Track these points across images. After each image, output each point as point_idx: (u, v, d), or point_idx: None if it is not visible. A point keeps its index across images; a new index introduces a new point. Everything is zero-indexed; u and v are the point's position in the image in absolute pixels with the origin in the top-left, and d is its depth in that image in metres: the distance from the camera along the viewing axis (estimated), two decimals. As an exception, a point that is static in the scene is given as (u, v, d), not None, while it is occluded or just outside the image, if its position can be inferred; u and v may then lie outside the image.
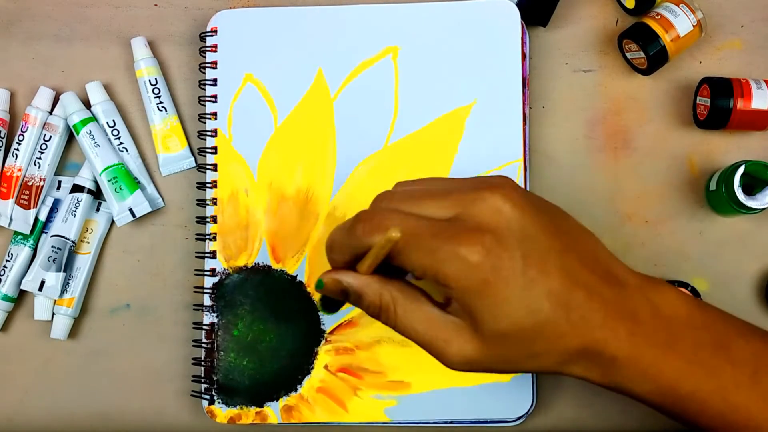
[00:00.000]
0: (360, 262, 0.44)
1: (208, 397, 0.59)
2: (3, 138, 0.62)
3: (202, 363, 0.60)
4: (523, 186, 0.59)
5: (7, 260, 0.61)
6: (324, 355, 0.59)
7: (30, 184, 0.62)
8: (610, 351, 0.41)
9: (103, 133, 0.62)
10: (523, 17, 0.60)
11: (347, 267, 0.45)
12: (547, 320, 0.41)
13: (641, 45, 0.59)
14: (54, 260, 0.60)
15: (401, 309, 0.44)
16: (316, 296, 0.59)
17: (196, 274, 0.61)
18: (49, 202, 0.62)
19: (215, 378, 0.59)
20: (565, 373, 0.43)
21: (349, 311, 0.59)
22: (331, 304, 0.48)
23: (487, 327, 0.41)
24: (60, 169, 0.63)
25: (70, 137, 0.63)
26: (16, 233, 0.62)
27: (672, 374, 0.42)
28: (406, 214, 0.42)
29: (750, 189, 0.58)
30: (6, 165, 0.62)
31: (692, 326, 0.43)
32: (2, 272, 0.61)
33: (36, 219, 0.62)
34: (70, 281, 0.61)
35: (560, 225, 0.44)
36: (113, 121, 0.62)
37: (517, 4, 0.60)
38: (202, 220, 0.61)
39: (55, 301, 0.61)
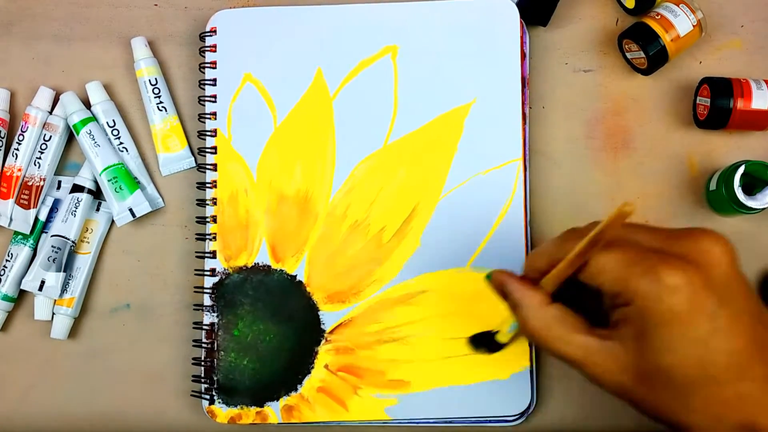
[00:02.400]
0: (548, 275, 0.44)
1: (208, 397, 0.59)
2: (3, 138, 0.62)
3: (202, 363, 0.60)
4: (522, 186, 0.59)
5: (7, 260, 0.61)
6: (324, 355, 0.59)
7: (30, 184, 0.62)
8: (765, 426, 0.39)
9: (103, 133, 0.62)
10: (523, 17, 0.60)
11: (540, 276, 0.45)
12: (717, 377, 0.39)
13: (641, 45, 0.59)
14: (54, 260, 0.60)
15: (559, 340, 0.43)
16: (318, 297, 0.59)
17: (196, 274, 0.61)
18: (49, 202, 0.62)
19: (215, 378, 0.59)
20: None
21: (348, 311, 0.59)
22: (482, 343, 0.49)
23: (652, 357, 0.40)
24: (60, 169, 0.63)
25: (70, 137, 0.63)
26: (16, 233, 0.62)
27: None
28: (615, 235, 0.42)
29: (750, 189, 0.58)
30: (6, 165, 0.62)
31: None
32: (2, 272, 0.61)
33: (36, 219, 0.62)
34: (70, 281, 0.61)
35: (751, 292, 0.42)
36: (113, 121, 0.62)
37: (517, 4, 0.60)
38: (202, 220, 0.61)
39: (55, 301, 0.61)
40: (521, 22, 0.60)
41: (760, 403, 0.39)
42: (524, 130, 0.60)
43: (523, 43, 0.60)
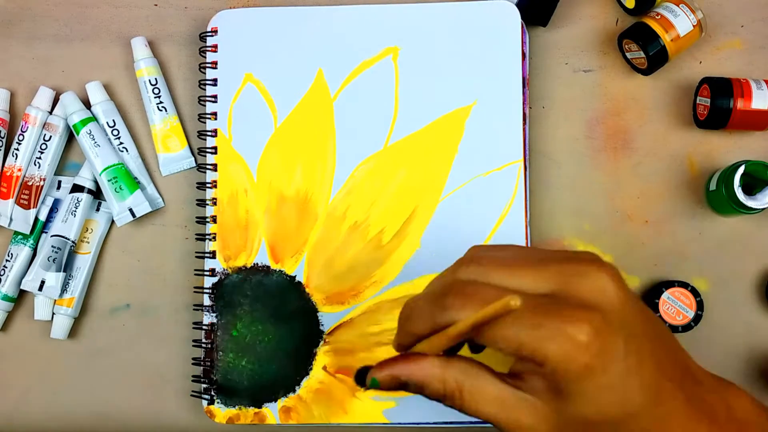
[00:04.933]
0: (428, 339, 0.40)
1: (207, 397, 0.59)
2: (3, 138, 0.62)
3: (202, 363, 0.60)
4: (522, 188, 0.59)
5: (7, 260, 0.61)
6: (323, 356, 0.59)
7: (30, 184, 0.62)
8: None
9: (103, 133, 0.62)
10: (523, 17, 0.60)
11: (418, 340, 0.41)
12: (636, 413, 0.38)
13: (641, 45, 0.59)
14: (54, 260, 0.60)
15: (468, 393, 0.40)
16: (317, 298, 0.59)
17: (195, 274, 0.61)
18: (49, 202, 0.62)
19: (214, 378, 0.59)
20: None
21: (348, 312, 0.59)
22: (360, 378, 0.43)
23: (574, 410, 0.39)
24: (60, 169, 0.63)
25: (70, 137, 0.63)
26: (16, 233, 0.62)
27: None
28: (501, 288, 0.39)
29: (750, 189, 0.57)
30: (6, 165, 0.62)
31: (762, 430, 0.41)
32: (2, 272, 0.61)
33: (36, 219, 0.62)
34: (70, 281, 0.61)
35: (647, 312, 0.41)
36: (113, 121, 0.62)
37: (517, 4, 0.60)
38: (202, 220, 0.61)
39: (55, 301, 0.61)
40: (521, 22, 0.60)
41: (676, 419, 0.39)
42: (524, 130, 0.60)
43: (523, 43, 0.60)
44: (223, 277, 0.60)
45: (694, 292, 0.59)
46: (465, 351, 0.43)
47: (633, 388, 0.38)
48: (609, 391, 0.38)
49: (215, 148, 0.61)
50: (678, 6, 0.59)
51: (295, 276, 0.60)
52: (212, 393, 0.59)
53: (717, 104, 0.59)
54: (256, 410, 0.59)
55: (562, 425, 0.39)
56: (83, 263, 0.62)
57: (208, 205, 0.61)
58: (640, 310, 0.40)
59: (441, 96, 0.60)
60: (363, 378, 0.42)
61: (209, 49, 0.62)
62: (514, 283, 0.39)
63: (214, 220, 0.60)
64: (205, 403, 0.59)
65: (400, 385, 0.41)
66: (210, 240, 0.60)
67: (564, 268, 0.39)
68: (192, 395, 0.60)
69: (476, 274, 0.40)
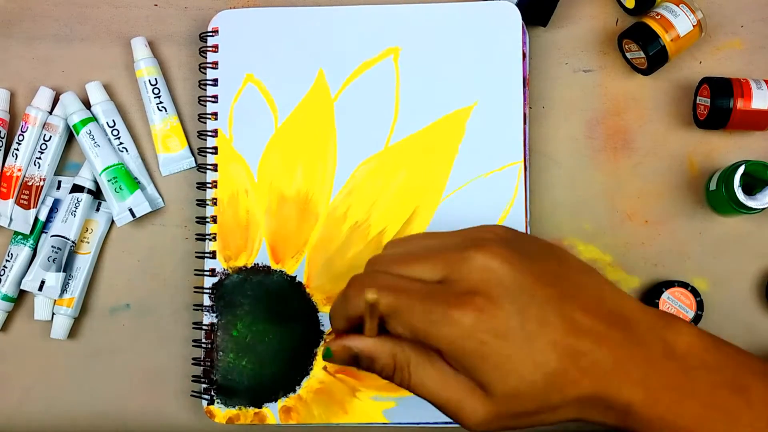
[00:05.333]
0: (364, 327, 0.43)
1: (207, 397, 0.59)
2: (3, 138, 0.62)
3: (202, 363, 0.60)
4: (523, 188, 0.59)
5: (7, 260, 0.61)
6: (323, 356, 0.59)
7: (30, 184, 0.62)
8: (625, 397, 0.40)
9: (103, 133, 0.62)
10: (523, 17, 0.60)
11: (351, 333, 0.43)
12: (556, 371, 0.39)
13: (641, 45, 0.59)
14: (54, 260, 0.60)
15: (415, 368, 0.42)
16: (318, 298, 0.59)
17: (196, 275, 0.61)
18: (49, 202, 0.62)
19: (214, 378, 0.59)
20: (585, 420, 0.42)
21: (348, 311, 0.59)
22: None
23: (496, 388, 0.40)
24: (60, 169, 0.63)
25: (70, 137, 0.63)
26: (16, 233, 0.62)
27: (689, 419, 0.40)
28: (396, 276, 0.41)
29: (750, 189, 0.58)
30: (6, 165, 0.62)
31: (708, 366, 0.41)
32: (2, 272, 0.61)
33: (36, 219, 0.62)
34: (70, 281, 0.61)
35: (556, 271, 0.42)
36: (113, 121, 0.62)
37: (518, 4, 0.60)
38: (202, 220, 0.61)
39: (55, 301, 0.61)
40: (522, 23, 0.60)
41: (602, 367, 0.40)
42: (524, 131, 0.60)
43: (523, 43, 0.60)
44: (223, 277, 0.60)
45: (694, 292, 0.59)
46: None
47: (543, 350, 0.39)
48: (518, 360, 0.39)
49: (215, 148, 0.61)
50: (678, 6, 0.59)
51: (295, 276, 0.60)
52: (212, 393, 0.59)
53: (717, 104, 0.59)
54: (256, 410, 0.59)
55: (499, 404, 0.41)
56: (83, 263, 0.62)
57: (208, 205, 0.61)
58: (540, 274, 0.41)
59: (442, 96, 0.60)
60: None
61: (210, 49, 0.62)
62: (411, 273, 0.41)
63: (214, 220, 0.60)
64: (205, 403, 0.59)
65: (351, 358, 0.43)
66: (210, 240, 0.60)
67: (452, 254, 0.41)
68: (192, 395, 0.60)
69: (378, 266, 0.43)
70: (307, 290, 0.60)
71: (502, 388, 0.40)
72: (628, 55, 0.62)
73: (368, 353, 0.43)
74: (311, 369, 0.59)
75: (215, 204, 0.61)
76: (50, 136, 0.62)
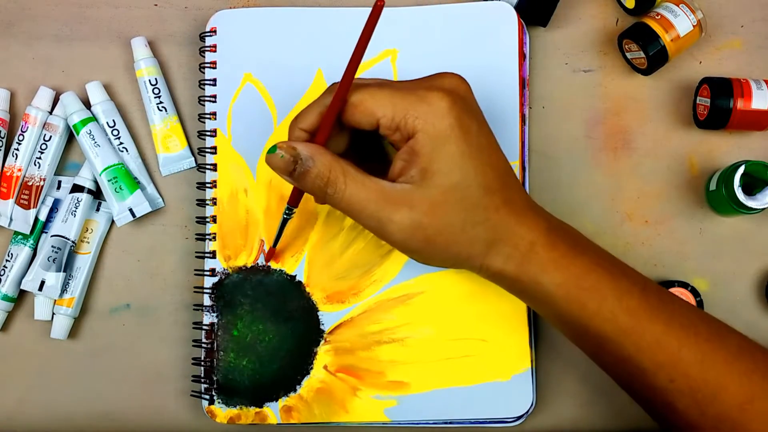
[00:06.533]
0: (318, 129, 0.48)
1: (207, 397, 0.59)
2: (3, 138, 0.62)
3: (202, 363, 0.60)
4: (523, 188, 0.59)
5: (7, 260, 0.61)
6: (323, 356, 0.59)
7: (30, 184, 0.62)
8: (532, 236, 0.48)
9: (103, 133, 0.62)
10: (523, 17, 0.60)
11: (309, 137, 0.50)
12: (489, 186, 0.47)
13: (641, 45, 0.59)
14: (54, 260, 0.60)
15: (351, 179, 0.47)
16: (317, 297, 0.59)
17: (196, 274, 0.61)
18: (49, 202, 0.62)
19: (215, 378, 0.59)
20: (488, 269, 0.48)
21: (348, 311, 0.59)
22: None
23: (440, 179, 0.46)
24: (60, 169, 0.63)
25: (70, 137, 0.63)
26: (16, 233, 0.62)
27: (580, 267, 0.48)
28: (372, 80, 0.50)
29: (750, 189, 0.58)
30: (6, 165, 0.62)
31: (594, 247, 0.51)
32: (2, 272, 0.61)
33: (36, 219, 0.62)
34: (70, 281, 0.61)
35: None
36: (113, 121, 0.62)
37: (517, 5, 0.60)
38: (201, 220, 0.61)
39: (55, 301, 0.61)
40: (521, 22, 0.60)
41: (518, 203, 0.49)
42: (523, 131, 0.60)
43: (523, 43, 0.60)
44: (223, 276, 0.60)
45: (694, 292, 0.59)
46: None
47: (487, 163, 0.47)
48: (468, 158, 0.46)
49: (215, 147, 0.61)
50: (678, 6, 0.59)
51: (295, 275, 0.60)
52: (213, 393, 0.59)
53: (717, 104, 0.59)
54: (257, 410, 0.59)
55: (432, 205, 0.46)
56: (83, 263, 0.62)
57: (208, 205, 0.61)
58: (483, 116, 0.50)
59: (440, 96, 0.60)
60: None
61: (209, 49, 0.62)
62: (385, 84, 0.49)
63: (214, 219, 0.60)
64: (205, 403, 0.59)
65: (292, 159, 0.47)
66: (210, 240, 0.60)
67: (426, 77, 0.50)
68: (192, 395, 0.60)
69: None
70: (307, 289, 0.60)
71: (444, 180, 0.46)
72: (628, 55, 0.62)
73: (308, 153, 0.47)
74: (312, 368, 0.59)
75: (215, 204, 0.61)
76: (50, 136, 0.62)
